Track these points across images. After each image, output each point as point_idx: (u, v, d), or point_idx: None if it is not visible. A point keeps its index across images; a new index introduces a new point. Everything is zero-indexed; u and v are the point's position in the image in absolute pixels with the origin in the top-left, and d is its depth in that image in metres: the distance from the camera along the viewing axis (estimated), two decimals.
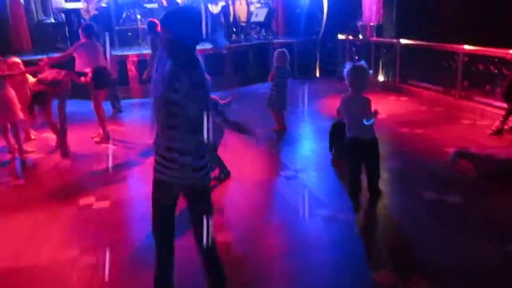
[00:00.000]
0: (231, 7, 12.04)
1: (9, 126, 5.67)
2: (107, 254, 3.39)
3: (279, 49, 6.57)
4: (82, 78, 5.97)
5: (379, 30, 10.42)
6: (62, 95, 5.82)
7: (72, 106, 8.23)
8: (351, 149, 4.02)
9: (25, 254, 3.49)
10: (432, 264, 3.16)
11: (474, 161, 4.55)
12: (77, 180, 5.15)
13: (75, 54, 6.18)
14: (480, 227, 3.64)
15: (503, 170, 4.43)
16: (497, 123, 6.03)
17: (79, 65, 6.18)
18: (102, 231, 3.84)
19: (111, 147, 6.19)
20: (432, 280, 2.96)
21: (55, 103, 5.90)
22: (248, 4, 12.64)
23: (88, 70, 6.01)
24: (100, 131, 6.44)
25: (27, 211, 4.30)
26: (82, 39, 6.20)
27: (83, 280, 3.11)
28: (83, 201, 4.45)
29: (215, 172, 4.60)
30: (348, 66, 3.87)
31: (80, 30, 6.37)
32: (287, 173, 4.98)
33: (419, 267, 3.15)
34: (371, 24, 10.52)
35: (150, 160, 5.24)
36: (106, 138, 6.39)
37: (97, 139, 6.46)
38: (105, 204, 4.37)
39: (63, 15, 11.64)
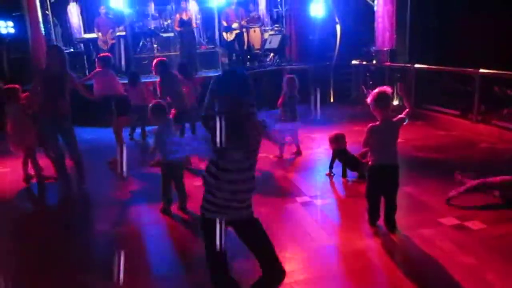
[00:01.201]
0: (245, 35, 12.25)
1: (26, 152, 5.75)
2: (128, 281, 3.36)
3: (289, 75, 6.58)
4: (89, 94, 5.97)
5: (392, 55, 10.45)
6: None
7: (91, 133, 8.40)
8: (375, 178, 3.98)
9: (40, 282, 3.47)
10: None
11: (502, 188, 4.43)
12: (92, 206, 5.17)
13: (93, 80, 6.43)
14: (506, 256, 3.50)
15: None
16: None
17: (96, 92, 6.37)
18: (119, 258, 3.80)
19: (126, 174, 6.22)
20: None
21: None
22: (262, 32, 12.84)
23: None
24: (117, 157, 6.49)
25: (43, 237, 4.32)
26: (98, 68, 6.44)
27: None
28: (99, 227, 4.45)
29: None
30: (373, 92, 3.85)
31: (96, 60, 6.63)
32: (302, 200, 4.92)
33: None
34: (385, 49, 10.56)
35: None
36: (122, 165, 6.43)
37: (113, 165, 6.50)
38: (120, 230, 4.35)
39: (82, 45, 12.02)
